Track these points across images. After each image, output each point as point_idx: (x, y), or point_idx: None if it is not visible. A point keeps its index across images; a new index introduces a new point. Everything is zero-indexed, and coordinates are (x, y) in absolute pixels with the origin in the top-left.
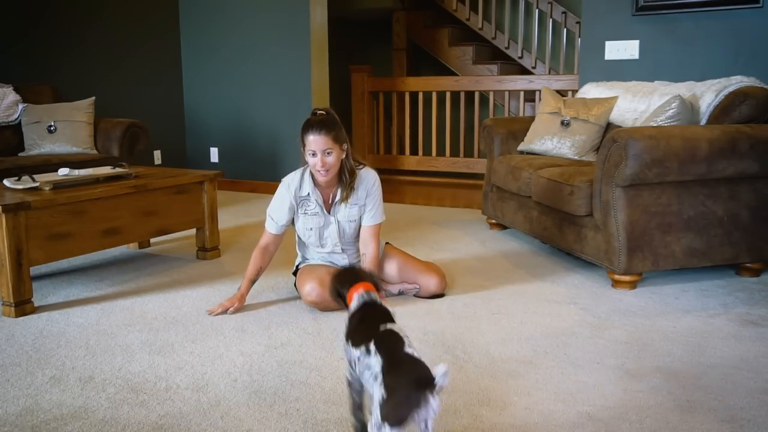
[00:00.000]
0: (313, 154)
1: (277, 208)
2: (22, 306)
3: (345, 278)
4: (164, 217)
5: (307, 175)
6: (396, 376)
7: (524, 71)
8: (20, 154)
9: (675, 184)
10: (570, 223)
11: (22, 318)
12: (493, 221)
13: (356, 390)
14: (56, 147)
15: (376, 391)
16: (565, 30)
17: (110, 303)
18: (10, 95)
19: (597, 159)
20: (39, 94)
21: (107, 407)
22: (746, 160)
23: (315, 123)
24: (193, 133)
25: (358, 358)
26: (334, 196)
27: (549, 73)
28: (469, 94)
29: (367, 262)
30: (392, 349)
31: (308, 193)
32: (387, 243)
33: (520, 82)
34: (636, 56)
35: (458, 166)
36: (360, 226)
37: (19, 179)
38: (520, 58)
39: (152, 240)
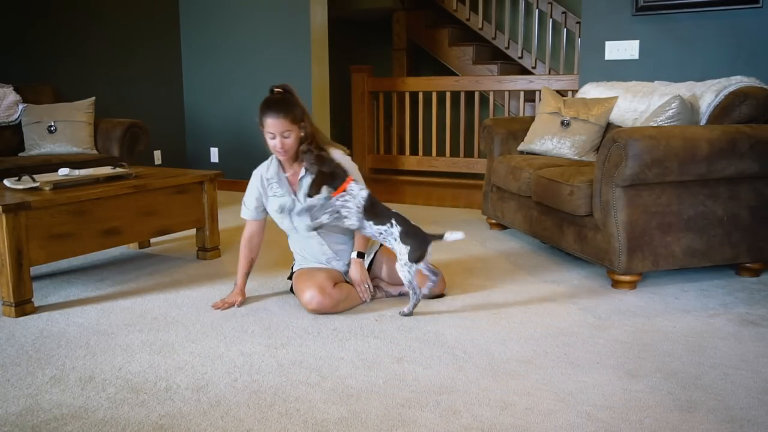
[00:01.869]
0: (273, 137)
1: (247, 195)
2: (23, 306)
3: (334, 177)
4: (164, 217)
5: (274, 159)
6: (414, 236)
7: (524, 71)
8: (20, 154)
9: (675, 184)
10: (570, 223)
11: (22, 318)
12: (493, 221)
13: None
14: (56, 147)
15: (400, 248)
16: (565, 30)
17: (110, 303)
18: (10, 95)
19: (597, 159)
20: (39, 94)
21: (107, 407)
22: (746, 160)
23: (272, 105)
24: (193, 133)
25: (384, 230)
26: (298, 176)
27: (549, 73)
28: (469, 94)
29: (355, 237)
30: (404, 222)
31: (272, 175)
32: None
33: (520, 82)
34: (636, 56)
35: (458, 166)
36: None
37: (19, 179)
38: (520, 58)
39: (152, 240)
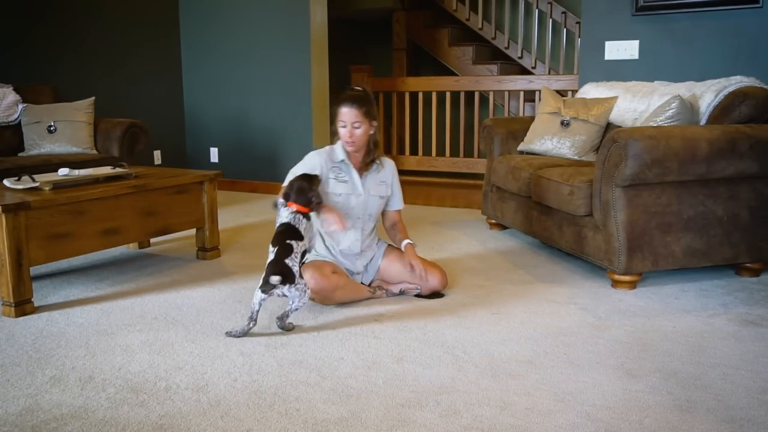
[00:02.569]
0: (343, 126)
1: (302, 167)
2: (22, 306)
3: (298, 192)
4: (164, 217)
5: (340, 146)
6: (267, 268)
7: (524, 71)
8: (20, 154)
9: (675, 184)
10: (570, 223)
11: (22, 318)
12: (493, 221)
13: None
14: (56, 147)
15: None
16: (565, 30)
17: (110, 303)
18: (10, 95)
19: (597, 159)
20: (39, 94)
21: (107, 407)
22: (746, 160)
23: (349, 97)
24: (193, 133)
25: (270, 251)
26: (362, 171)
27: (549, 73)
28: (469, 94)
29: (400, 230)
30: (279, 255)
31: (342, 159)
32: (389, 245)
33: (520, 82)
34: (636, 56)
35: (458, 166)
36: (379, 212)
37: (19, 179)
38: (520, 58)
39: (152, 240)
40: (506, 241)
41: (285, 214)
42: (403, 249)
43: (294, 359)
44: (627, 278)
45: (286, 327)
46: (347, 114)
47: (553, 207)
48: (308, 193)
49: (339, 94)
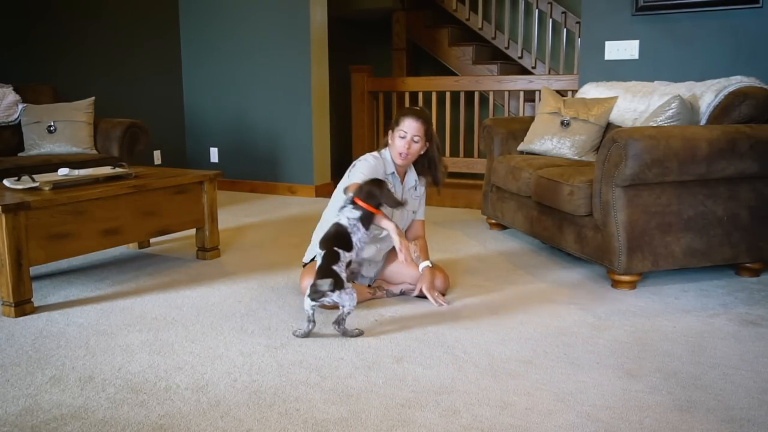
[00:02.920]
0: (403, 137)
1: (361, 170)
2: (22, 306)
3: (369, 195)
4: (164, 217)
5: (388, 156)
6: (316, 274)
7: (524, 71)
8: (20, 154)
9: (675, 184)
10: (570, 223)
11: (22, 318)
12: (493, 221)
13: None
14: (56, 147)
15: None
16: (565, 30)
17: (110, 303)
18: (10, 95)
19: (597, 159)
20: (39, 94)
21: (107, 407)
22: (746, 160)
23: (415, 111)
24: (193, 133)
25: (318, 254)
26: (405, 185)
27: (549, 73)
28: (469, 94)
29: (421, 247)
30: (326, 261)
31: (393, 172)
32: None
33: (520, 82)
34: (636, 56)
35: (458, 166)
36: (405, 227)
37: (19, 179)
38: (520, 58)
39: (152, 240)
40: (506, 242)
41: (345, 215)
42: (420, 272)
43: (294, 359)
44: (627, 278)
45: (350, 333)
46: (411, 126)
47: (553, 207)
48: (379, 197)
49: (403, 108)
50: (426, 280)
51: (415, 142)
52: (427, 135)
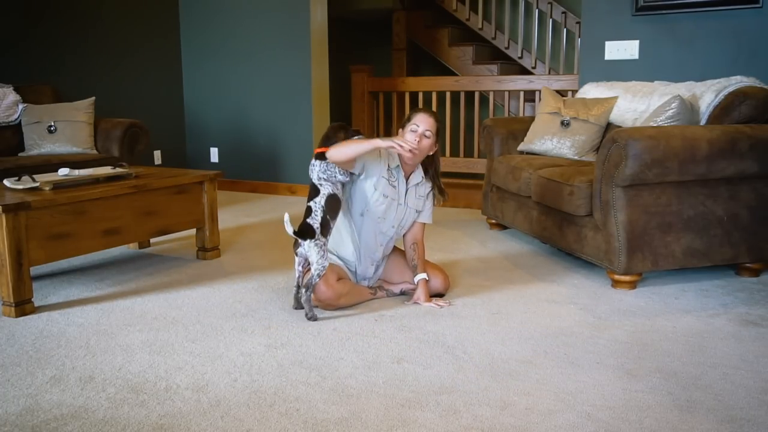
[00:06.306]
0: (414, 130)
1: (368, 145)
2: (22, 306)
3: (325, 136)
4: (164, 217)
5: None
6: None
7: (524, 71)
8: (20, 154)
9: (675, 184)
10: (570, 223)
11: (22, 318)
12: (493, 221)
13: None
14: (56, 147)
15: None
16: (565, 30)
17: (110, 303)
18: (10, 95)
19: (597, 159)
20: (39, 94)
21: (107, 407)
22: (746, 160)
23: (428, 109)
24: (193, 133)
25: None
26: (409, 182)
27: (549, 73)
28: (469, 94)
29: (419, 256)
30: (304, 217)
31: (398, 166)
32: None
33: (520, 82)
34: (636, 56)
35: (458, 166)
36: (407, 227)
37: (19, 179)
38: (520, 58)
39: (152, 240)
40: (506, 241)
41: (314, 173)
42: (414, 282)
43: (294, 359)
44: (627, 278)
45: (309, 310)
46: (424, 120)
47: (554, 207)
48: (332, 137)
49: (417, 107)
50: (421, 295)
51: (427, 137)
52: (437, 132)
